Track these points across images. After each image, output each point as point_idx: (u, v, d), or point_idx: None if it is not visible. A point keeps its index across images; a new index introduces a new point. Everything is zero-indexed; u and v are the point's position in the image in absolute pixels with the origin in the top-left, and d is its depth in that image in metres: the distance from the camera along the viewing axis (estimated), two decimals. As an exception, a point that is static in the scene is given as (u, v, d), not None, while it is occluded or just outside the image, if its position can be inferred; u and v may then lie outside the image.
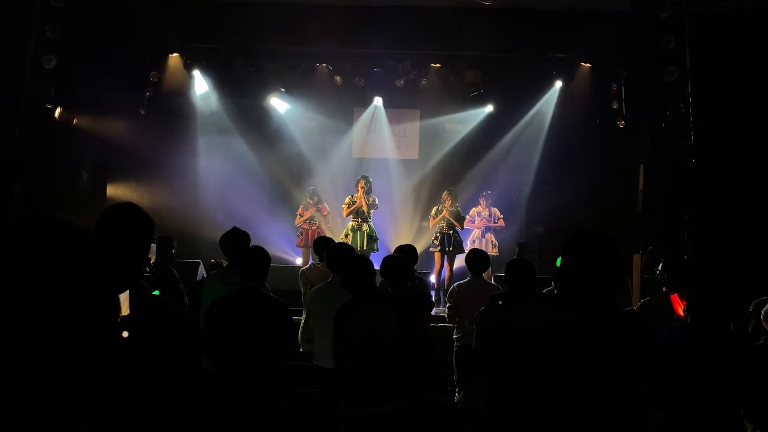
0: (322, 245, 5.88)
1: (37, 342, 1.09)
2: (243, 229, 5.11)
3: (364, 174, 9.79)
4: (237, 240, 4.86)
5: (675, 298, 5.30)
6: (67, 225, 1.17)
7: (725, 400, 2.72)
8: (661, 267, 5.34)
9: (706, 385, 2.66)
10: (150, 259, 6.22)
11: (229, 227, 5.14)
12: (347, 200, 9.59)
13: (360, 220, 9.42)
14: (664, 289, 5.11)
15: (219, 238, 5.06)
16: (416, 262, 5.67)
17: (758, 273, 6.26)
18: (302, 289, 5.83)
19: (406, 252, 5.49)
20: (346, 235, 9.39)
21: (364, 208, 9.39)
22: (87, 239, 1.14)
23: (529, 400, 1.97)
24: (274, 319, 3.88)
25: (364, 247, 9.15)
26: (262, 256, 4.13)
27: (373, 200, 9.56)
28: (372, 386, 3.75)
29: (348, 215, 9.54)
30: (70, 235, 1.16)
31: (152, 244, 6.97)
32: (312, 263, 6.37)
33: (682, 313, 5.27)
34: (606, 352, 1.94)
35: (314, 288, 5.01)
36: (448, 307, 6.04)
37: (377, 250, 9.39)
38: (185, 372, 2.26)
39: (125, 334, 1.89)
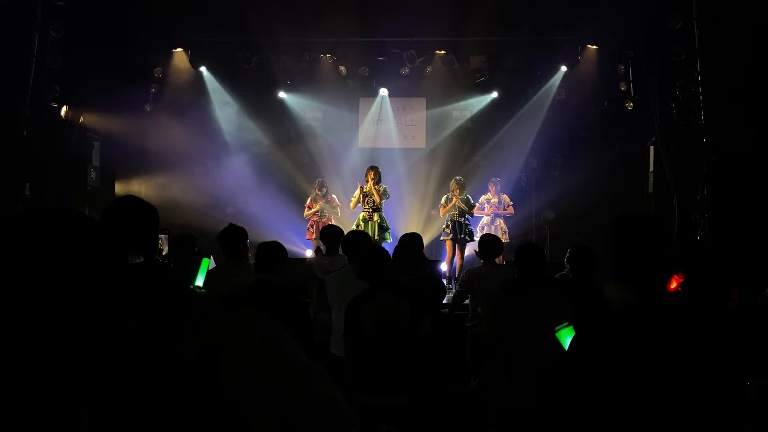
0: (329, 234, 5.87)
1: (39, 330, 1.07)
2: (253, 222, 5.10)
3: (373, 165, 9.73)
4: (236, 235, 4.85)
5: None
6: (76, 213, 1.17)
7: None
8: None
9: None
10: (162, 251, 6.18)
11: (238, 221, 5.12)
12: (356, 193, 9.53)
13: (371, 210, 9.39)
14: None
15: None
16: (421, 250, 5.64)
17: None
18: (309, 281, 5.83)
19: (412, 240, 5.45)
20: (357, 226, 9.34)
21: (376, 199, 9.34)
22: (96, 226, 1.14)
23: (608, 389, 1.95)
24: (291, 311, 3.87)
25: (376, 237, 9.12)
26: (278, 249, 4.16)
27: (384, 189, 9.52)
28: (386, 377, 3.72)
29: (354, 207, 9.52)
30: (79, 222, 1.15)
31: (163, 236, 6.95)
32: (318, 255, 6.36)
33: (672, 288, 5.21)
34: (693, 332, 1.94)
35: (329, 276, 5.02)
36: (457, 292, 6.00)
37: (389, 239, 9.33)
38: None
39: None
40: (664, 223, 2.06)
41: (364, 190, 9.40)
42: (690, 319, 1.97)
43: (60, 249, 1.07)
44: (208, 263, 5.67)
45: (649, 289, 2.00)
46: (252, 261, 4.56)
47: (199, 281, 5.80)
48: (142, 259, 2.16)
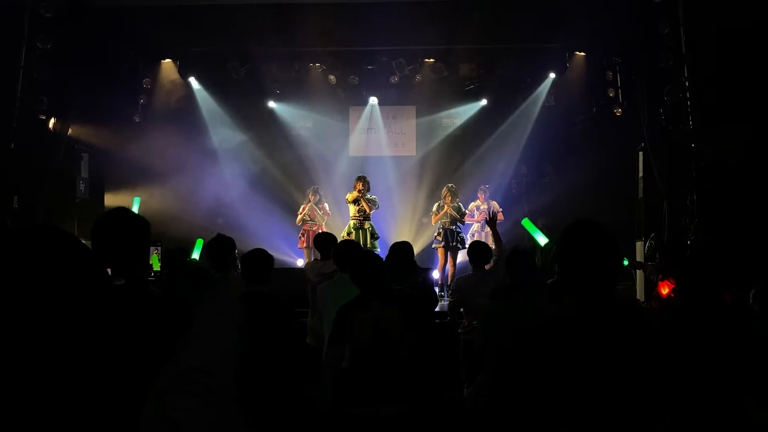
0: (323, 241, 5.90)
1: (28, 352, 1.05)
2: (244, 232, 5.10)
3: (361, 174, 9.78)
4: (224, 246, 4.75)
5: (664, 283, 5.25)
6: (61, 233, 1.15)
7: (729, 378, 2.64)
8: (660, 254, 5.30)
9: (708, 362, 2.58)
10: (152, 266, 6.20)
11: (228, 232, 5.06)
12: (348, 196, 9.66)
13: (362, 218, 9.46)
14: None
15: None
16: (412, 258, 5.63)
17: (760, 256, 6.23)
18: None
19: (402, 249, 5.44)
20: (349, 233, 9.40)
21: (366, 209, 9.44)
22: (83, 247, 1.12)
23: (532, 396, 1.94)
24: (281, 321, 3.83)
25: (367, 245, 9.15)
26: (264, 257, 4.11)
27: (374, 200, 9.63)
28: (379, 386, 3.68)
29: (352, 200, 9.63)
30: (65, 242, 1.13)
31: (155, 248, 6.98)
32: (313, 260, 6.38)
33: (663, 294, 5.22)
34: (609, 344, 1.92)
35: (321, 285, 5.01)
36: (450, 302, 6.00)
37: (378, 248, 9.36)
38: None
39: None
40: (615, 235, 2.02)
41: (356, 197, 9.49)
42: (625, 330, 1.94)
43: (34, 270, 1.04)
44: (201, 242, 6.17)
45: (592, 298, 1.96)
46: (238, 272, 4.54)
47: (195, 255, 6.37)
48: (122, 281, 2.11)
